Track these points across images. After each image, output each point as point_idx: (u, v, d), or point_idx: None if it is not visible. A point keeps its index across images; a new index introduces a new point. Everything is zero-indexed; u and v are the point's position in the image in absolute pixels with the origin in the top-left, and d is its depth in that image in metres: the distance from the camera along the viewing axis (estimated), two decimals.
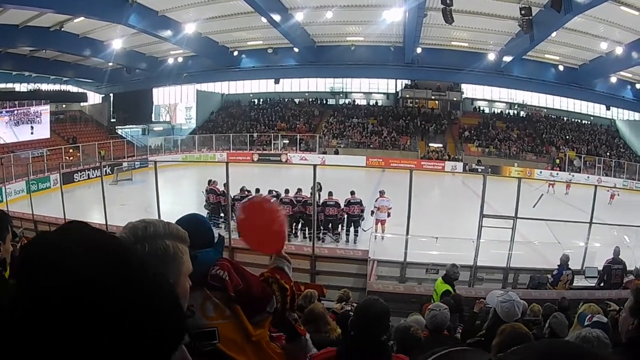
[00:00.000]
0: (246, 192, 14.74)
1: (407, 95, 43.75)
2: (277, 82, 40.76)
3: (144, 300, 0.71)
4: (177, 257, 1.35)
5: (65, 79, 40.25)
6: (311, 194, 12.64)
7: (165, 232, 1.35)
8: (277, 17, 27.96)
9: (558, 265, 9.56)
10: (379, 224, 14.20)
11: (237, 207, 14.25)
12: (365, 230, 14.24)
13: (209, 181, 15.91)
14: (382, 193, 14.55)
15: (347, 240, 14.56)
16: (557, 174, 31.25)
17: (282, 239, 2.49)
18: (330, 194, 14.62)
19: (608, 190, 23.73)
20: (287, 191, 14.82)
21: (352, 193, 14.63)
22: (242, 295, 1.91)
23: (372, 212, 14.29)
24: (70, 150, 31.78)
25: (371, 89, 45.27)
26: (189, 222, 1.95)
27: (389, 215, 14.19)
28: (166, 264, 1.32)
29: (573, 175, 30.97)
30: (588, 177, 31.37)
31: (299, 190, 14.68)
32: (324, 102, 45.13)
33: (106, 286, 0.67)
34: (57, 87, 41.03)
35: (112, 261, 0.71)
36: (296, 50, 35.33)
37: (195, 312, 1.80)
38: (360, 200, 14.51)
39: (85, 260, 0.68)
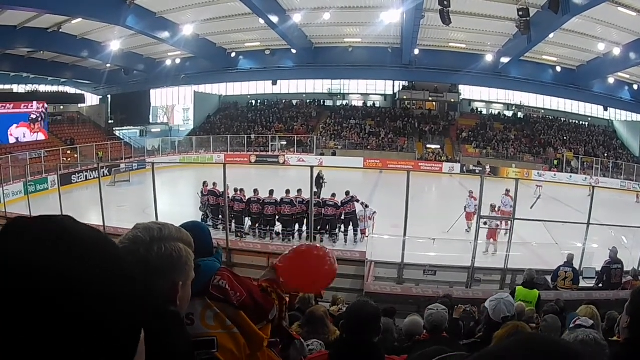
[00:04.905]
0: (240, 193, 14.83)
1: (405, 97, 43.68)
2: (274, 83, 40.76)
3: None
4: (188, 262, 1.37)
5: (63, 80, 40.15)
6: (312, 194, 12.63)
7: (178, 236, 1.36)
8: (274, 19, 27.99)
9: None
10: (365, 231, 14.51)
11: (235, 206, 14.40)
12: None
13: (204, 183, 15.90)
14: (364, 205, 14.86)
15: (346, 241, 14.63)
16: (555, 175, 31.31)
17: (331, 278, 2.54)
18: (333, 195, 14.79)
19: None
20: (287, 192, 14.86)
21: (347, 193, 14.73)
22: (245, 305, 1.92)
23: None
24: (68, 152, 31.65)
25: (369, 90, 45.23)
26: (192, 229, 1.95)
27: (371, 218, 14.62)
28: (180, 267, 1.34)
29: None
30: (585, 178, 31.35)
31: (299, 191, 14.70)
32: (322, 103, 45.09)
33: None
34: (55, 88, 40.90)
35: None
36: (294, 51, 35.37)
37: (195, 321, 1.81)
38: (352, 197, 14.56)
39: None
